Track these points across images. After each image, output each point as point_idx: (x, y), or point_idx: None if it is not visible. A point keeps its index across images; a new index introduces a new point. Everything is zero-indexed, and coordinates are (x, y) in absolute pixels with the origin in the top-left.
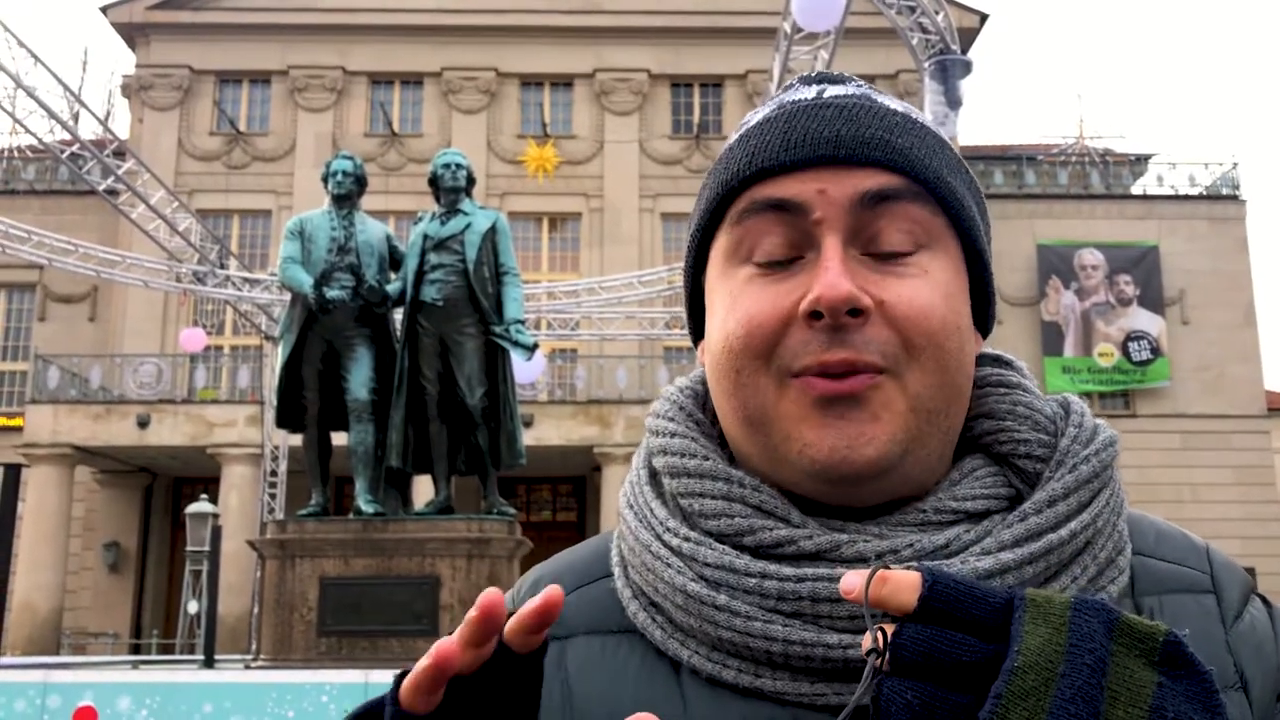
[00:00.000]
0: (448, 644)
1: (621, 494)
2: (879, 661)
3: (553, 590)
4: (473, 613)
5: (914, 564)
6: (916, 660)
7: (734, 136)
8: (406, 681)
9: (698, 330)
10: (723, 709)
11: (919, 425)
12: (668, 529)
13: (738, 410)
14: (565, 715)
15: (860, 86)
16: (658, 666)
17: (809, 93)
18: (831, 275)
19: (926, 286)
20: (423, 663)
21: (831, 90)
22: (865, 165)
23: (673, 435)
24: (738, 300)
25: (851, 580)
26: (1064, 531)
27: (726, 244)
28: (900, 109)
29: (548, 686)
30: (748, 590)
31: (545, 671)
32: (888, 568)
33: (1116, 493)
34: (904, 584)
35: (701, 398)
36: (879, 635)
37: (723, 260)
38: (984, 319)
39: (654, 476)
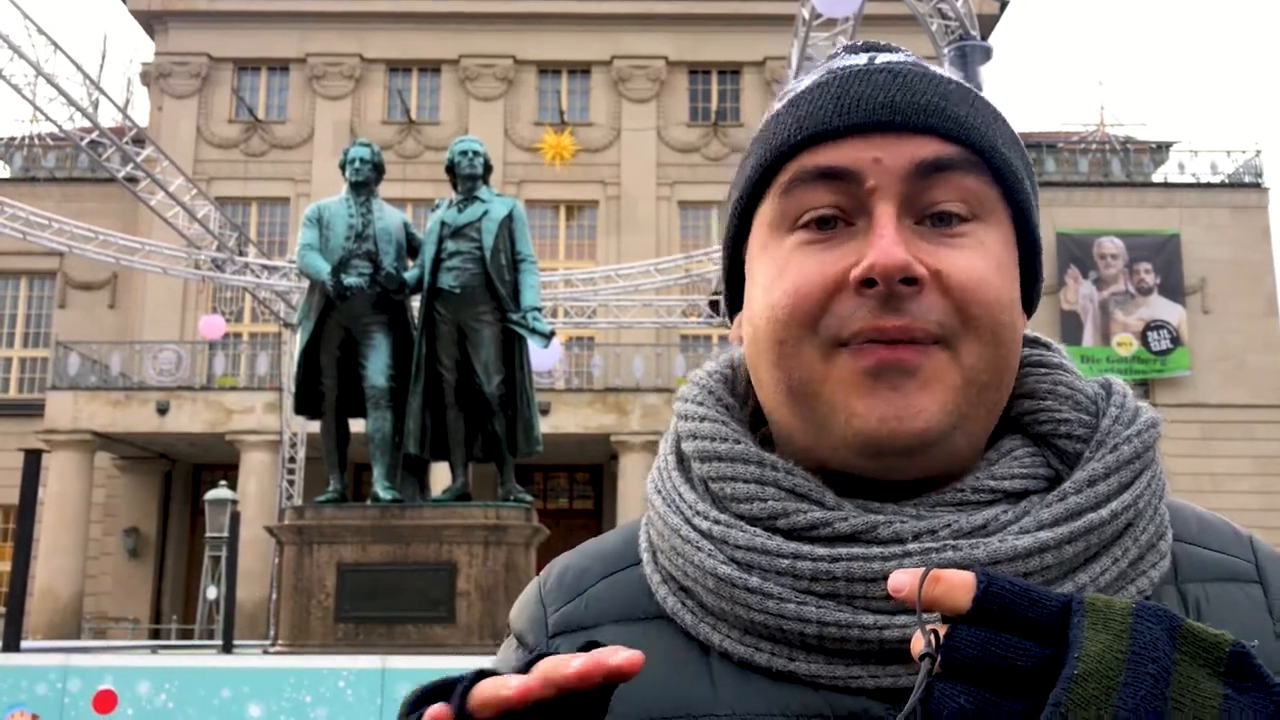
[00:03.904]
0: (532, 687)
1: (649, 480)
2: (931, 666)
3: (634, 657)
4: (568, 671)
5: (967, 564)
6: (970, 663)
7: (779, 103)
8: (482, 694)
9: (735, 302)
10: (755, 693)
11: (970, 399)
12: (697, 512)
13: (781, 382)
14: None
15: (910, 55)
16: (688, 652)
17: (859, 60)
18: (886, 242)
19: (981, 257)
20: (502, 693)
21: (883, 57)
22: (920, 133)
23: (702, 419)
24: (784, 269)
25: (901, 579)
26: (1105, 511)
27: (772, 214)
28: (955, 77)
29: None
30: (780, 571)
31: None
32: (939, 567)
33: (1158, 475)
34: (958, 584)
35: (730, 381)
36: (932, 637)
37: (767, 230)
38: (1028, 298)
39: (682, 461)
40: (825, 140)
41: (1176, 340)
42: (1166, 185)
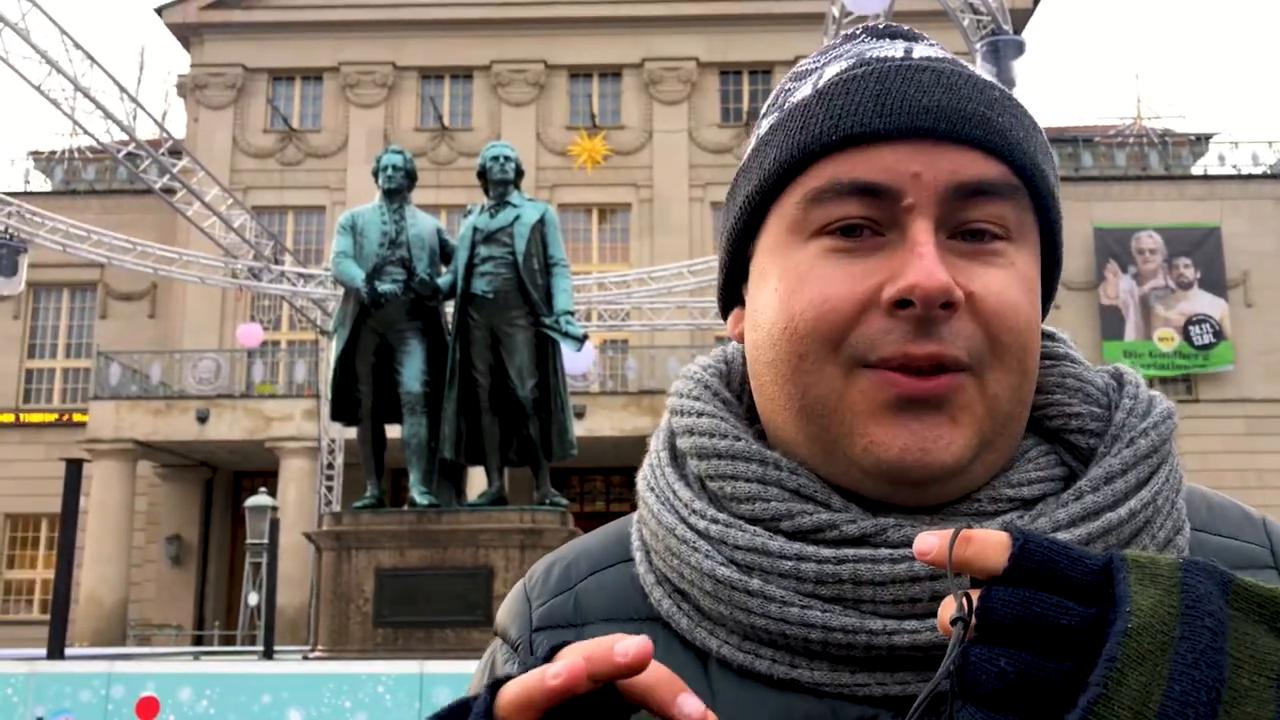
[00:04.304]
0: (579, 669)
1: (640, 477)
2: (965, 630)
3: (644, 644)
4: (621, 659)
5: (999, 524)
6: (1008, 625)
7: (805, 87)
8: (514, 694)
9: (731, 299)
10: (755, 703)
11: (993, 429)
12: (694, 511)
13: (793, 397)
14: None
15: (943, 48)
16: (683, 658)
17: (894, 50)
18: (928, 263)
19: (1014, 280)
20: (548, 683)
21: (920, 50)
22: (963, 144)
23: (700, 415)
24: (806, 278)
25: (929, 540)
26: (1123, 510)
27: (794, 216)
28: (996, 82)
29: None
30: (783, 574)
31: None
32: (969, 527)
33: (1175, 469)
34: (991, 543)
35: (725, 376)
36: (964, 599)
37: (785, 231)
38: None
39: (676, 458)
40: (862, 144)
41: (1219, 334)
42: (1206, 178)
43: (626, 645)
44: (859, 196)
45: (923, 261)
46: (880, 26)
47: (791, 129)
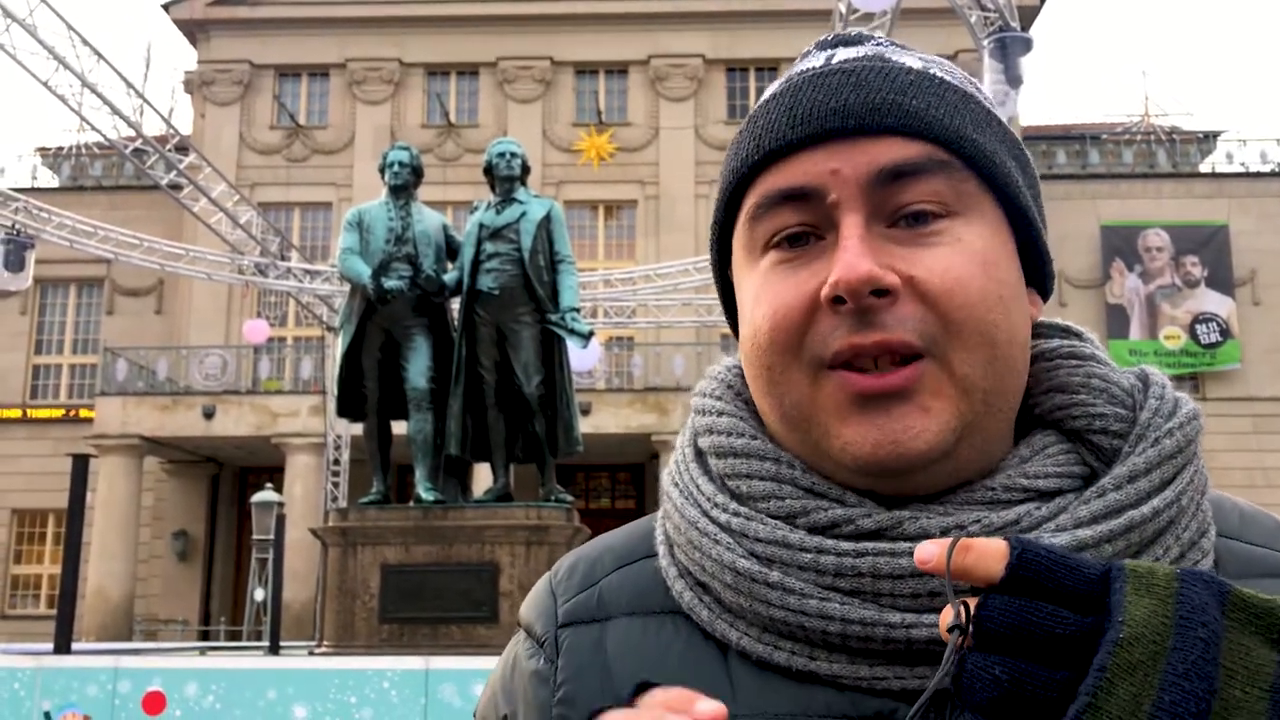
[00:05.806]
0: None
1: (665, 472)
2: (962, 639)
3: (719, 709)
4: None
5: (998, 534)
6: (1004, 633)
7: (747, 117)
8: None
9: (736, 324)
10: (774, 694)
11: (972, 408)
12: (716, 504)
13: (775, 406)
14: (605, 700)
15: (877, 45)
16: (704, 649)
17: (818, 60)
18: (850, 255)
19: (960, 256)
20: None
21: (842, 54)
22: (879, 134)
23: (720, 414)
24: (761, 292)
25: (928, 549)
26: (1146, 509)
27: (744, 237)
28: (917, 65)
29: (586, 671)
30: (803, 566)
31: (582, 655)
32: (968, 536)
33: (1200, 470)
34: (989, 552)
35: None
36: (961, 608)
37: (744, 253)
38: (1041, 280)
39: (700, 455)
40: (783, 156)
41: (1226, 333)
42: (1214, 175)
43: (707, 705)
44: (789, 204)
45: (845, 255)
46: (828, 39)
47: (729, 157)
